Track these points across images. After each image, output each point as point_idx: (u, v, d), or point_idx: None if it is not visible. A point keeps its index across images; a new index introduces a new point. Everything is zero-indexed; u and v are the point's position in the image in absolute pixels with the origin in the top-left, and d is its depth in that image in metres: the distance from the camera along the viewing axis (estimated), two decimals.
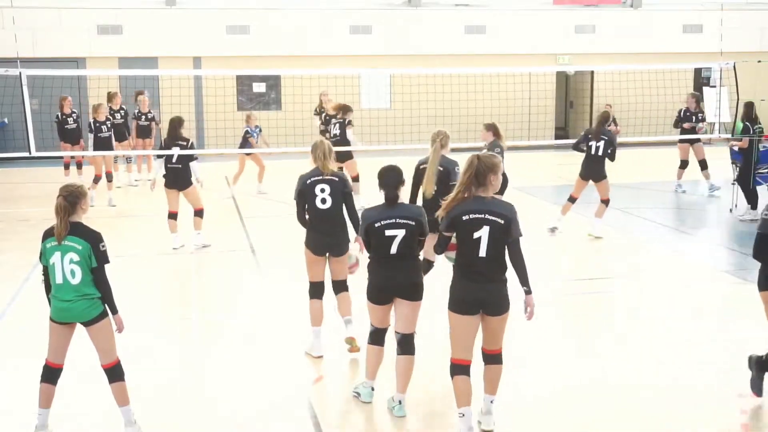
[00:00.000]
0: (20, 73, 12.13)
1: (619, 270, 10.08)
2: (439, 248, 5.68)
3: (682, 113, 15.79)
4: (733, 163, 13.71)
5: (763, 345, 7.52)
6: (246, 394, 6.44)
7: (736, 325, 8.06)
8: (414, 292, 5.98)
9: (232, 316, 8.47)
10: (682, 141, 15.59)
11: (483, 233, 5.33)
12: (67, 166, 15.83)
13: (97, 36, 21.02)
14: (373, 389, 6.22)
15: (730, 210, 13.23)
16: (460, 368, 5.51)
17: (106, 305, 5.59)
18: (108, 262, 5.59)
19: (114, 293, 5.63)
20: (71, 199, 5.48)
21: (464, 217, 5.38)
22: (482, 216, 5.35)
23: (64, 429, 5.84)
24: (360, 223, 6.17)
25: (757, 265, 6.17)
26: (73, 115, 15.56)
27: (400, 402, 6.05)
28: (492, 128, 10.91)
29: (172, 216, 11.04)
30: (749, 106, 13.13)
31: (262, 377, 6.78)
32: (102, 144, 14.37)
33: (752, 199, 12.68)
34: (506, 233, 5.35)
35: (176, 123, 10.96)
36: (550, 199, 14.26)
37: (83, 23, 20.90)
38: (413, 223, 5.92)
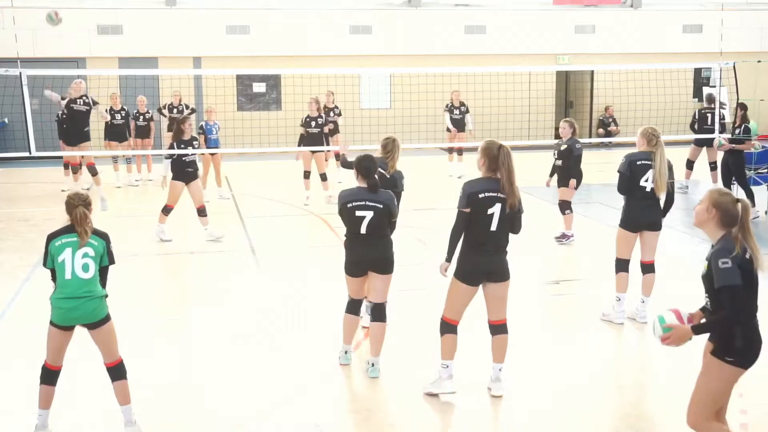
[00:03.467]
0: (20, 73, 12.13)
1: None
2: (460, 226, 6.06)
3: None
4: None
5: (764, 343, 7.53)
6: (246, 394, 6.44)
7: None
8: (385, 266, 6.63)
9: (231, 316, 8.46)
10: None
11: (496, 209, 5.96)
12: (66, 166, 15.87)
13: (97, 36, 21.02)
14: (347, 352, 6.89)
15: None
16: (452, 327, 6.20)
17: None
18: (114, 262, 5.65)
19: (114, 293, 5.68)
20: (87, 206, 5.55)
21: (480, 195, 5.96)
22: (495, 194, 5.97)
23: (64, 429, 5.84)
24: (338, 200, 6.64)
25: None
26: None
27: (373, 364, 6.69)
28: (573, 126, 11.13)
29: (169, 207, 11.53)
30: (745, 108, 13.18)
31: (262, 377, 6.78)
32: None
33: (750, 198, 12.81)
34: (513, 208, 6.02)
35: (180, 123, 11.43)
36: (549, 198, 14.24)
37: (83, 23, 20.90)
38: (381, 206, 6.50)
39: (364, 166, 6.60)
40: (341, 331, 6.93)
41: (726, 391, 4.76)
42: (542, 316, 8.59)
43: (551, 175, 11.53)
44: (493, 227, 5.99)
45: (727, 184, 13.02)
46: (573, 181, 11.12)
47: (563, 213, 11.32)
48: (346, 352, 6.92)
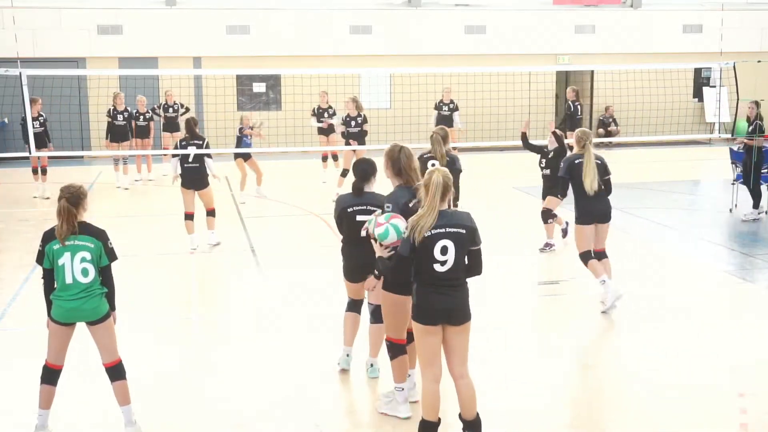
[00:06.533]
0: (20, 73, 12.12)
1: (618, 270, 10.07)
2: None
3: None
4: (732, 163, 13.68)
5: (763, 343, 7.53)
6: (246, 394, 6.44)
7: (736, 325, 8.06)
8: None
9: (232, 316, 8.47)
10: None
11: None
12: (35, 171, 15.31)
13: (97, 36, 21.02)
14: (348, 355, 6.79)
15: (730, 210, 13.23)
16: (401, 348, 6.01)
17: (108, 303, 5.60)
18: (117, 258, 5.63)
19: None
20: (73, 200, 5.48)
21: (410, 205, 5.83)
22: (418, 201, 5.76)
23: (64, 429, 5.84)
24: (335, 206, 6.56)
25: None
26: (40, 118, 15.15)
27: (372, 365, 6.70)
28: (560, 138, 11.04)
29: (189, 217, 11.03)
30: (758, 106, 12.96)
31: (262, 377, 6.78)
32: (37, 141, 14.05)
33: (756, 198, 12.70)
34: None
35: (192, 123, 11.12)
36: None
37: (83, 23, 20.89)
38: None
39: (360, 168, 6.50)
40: (342, 332, 6.85)
41: (421, 343, 5.28)
42: (534, 316, 8.59)
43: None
44: None
45: (748, 182, 12.76)
46: (558, 197, 10.17)
47: (545, 222, 10.85)
48: (347, 355, 6.81)
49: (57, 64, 19.31)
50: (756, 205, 12.65)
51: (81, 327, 5.61)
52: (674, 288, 9.29)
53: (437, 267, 5.16)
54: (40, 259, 5.54)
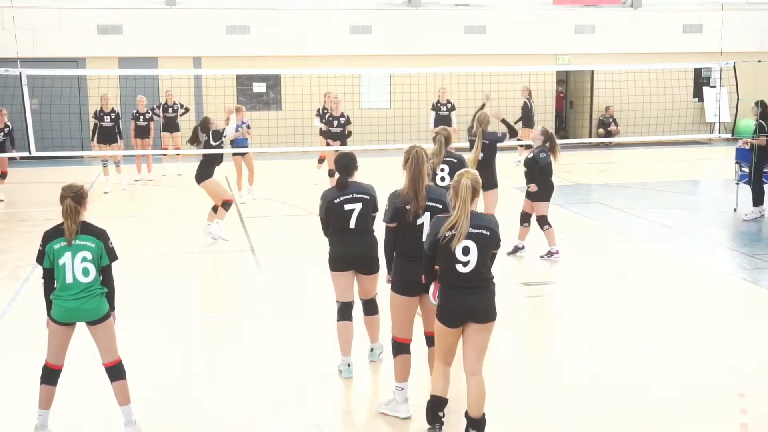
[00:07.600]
0: (20, 73, 12.14)
1: (619, 270, 10.08)
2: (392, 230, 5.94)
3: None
4: (737, 163, 13.66)
5: (763, 343, 7.53)
6: (246, 394, 6.44)
7: (736, 325, 8.06)
8: (371, 266, 6.63)
9: (231, 316, 8.47)
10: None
11: (425, 218, 5.82)
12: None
13: (97, 36, 21.03)
14: (350, 365, 6.71)
15: (734, 210, 13.22)
16: (404, 347, 6.05)
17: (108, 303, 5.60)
18: (117, 258, 5.63)
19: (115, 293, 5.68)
20: (78, 199, 5.50)
21: (407, 206, 5.83)
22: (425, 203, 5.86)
23: (64, 429, 5.84)
24: (320, 203, 6.61)
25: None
26: (5, 129, 14.56)
27: (372, 349, 6.93)
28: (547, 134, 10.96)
29: (214, 208, 11.47)
30: (765, 105, 12.89)
31: (262, 377, 6.78)
32: None
33: (759, 198, 12.68)
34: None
35: (197, 126, 11.62)
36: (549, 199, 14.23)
37: (83, 23, 20.91)
38: (368, 197, 6.54)
39: (341, 163, 6.58)
40: (338, 343, 6.72)
41: (440, 340, 5.38)
42: (531, 317, 8.58)
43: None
44: (424, 238, 5.69)
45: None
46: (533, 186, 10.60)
47: (542, 228, 10.63)
48: (349, 365, 6.71)
49: (57, 64, 19.32)
50: (756, 203, 12.64)
51: (81, 327, 5.61)
52: (674, 288, 9.29)
53: (459, 268, 5.20)
54: (40, 258, 5.54)
